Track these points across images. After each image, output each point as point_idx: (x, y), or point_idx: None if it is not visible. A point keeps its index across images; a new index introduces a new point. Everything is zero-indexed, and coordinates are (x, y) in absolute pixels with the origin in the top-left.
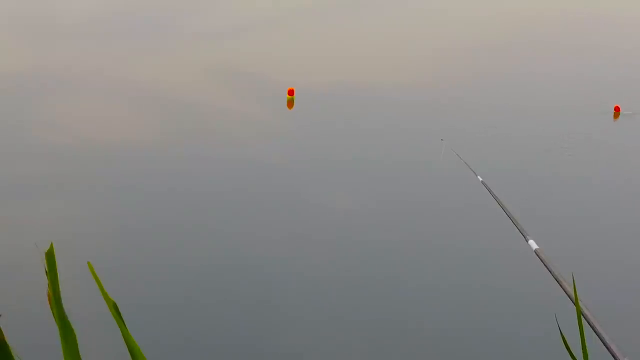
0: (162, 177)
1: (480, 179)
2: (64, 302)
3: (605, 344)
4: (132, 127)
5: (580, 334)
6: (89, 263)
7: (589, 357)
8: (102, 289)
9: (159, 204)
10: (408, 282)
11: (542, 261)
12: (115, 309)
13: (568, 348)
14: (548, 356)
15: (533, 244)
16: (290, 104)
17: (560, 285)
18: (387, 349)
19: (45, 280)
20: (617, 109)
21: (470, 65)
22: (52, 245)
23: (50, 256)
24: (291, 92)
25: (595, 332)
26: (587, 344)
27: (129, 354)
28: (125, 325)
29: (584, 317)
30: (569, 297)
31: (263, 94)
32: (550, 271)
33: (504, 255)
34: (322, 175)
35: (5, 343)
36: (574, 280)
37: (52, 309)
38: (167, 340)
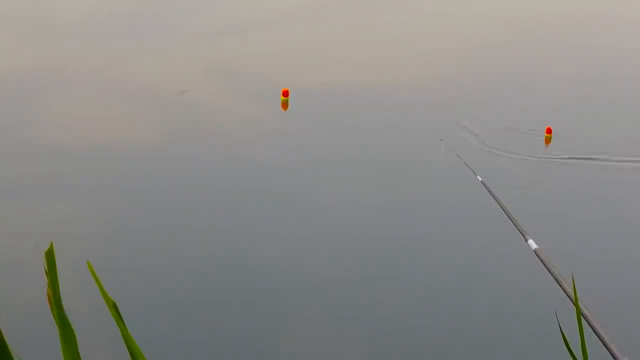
0: (162, 177)
1: (480, 179)
2: (63, 301)
3: (604, 343)
4: (132, 127)
5: (580, 333)
6: (88, 263)
7: (589, 356)
8: (101, 288)
9: (159, 204)
10: (408, 281)
11: (541, 260)
12: (114, 308)
13: (568, 347)
14: (547, 355)
15: (532, 244)
16: (285, 105)
17: (560, 285)
18: (387, 349)
19: (45, 280)
20: (549, 131)
21: (470, 65)
22: (51, 244)
23: (49, 256)
24: (285, 93)
25: (594, 331)
26: (586, 344)
27: (128, 354)
28: (124, 325)
29: (584, 317)
30: (569, 296)
31: (263, 94)
32: (549, 270)
33: (504, 254)
34: (322, 175)
35: (5, 343)
36: (573, 280)
37: (51, 308)
38: (167, 340)
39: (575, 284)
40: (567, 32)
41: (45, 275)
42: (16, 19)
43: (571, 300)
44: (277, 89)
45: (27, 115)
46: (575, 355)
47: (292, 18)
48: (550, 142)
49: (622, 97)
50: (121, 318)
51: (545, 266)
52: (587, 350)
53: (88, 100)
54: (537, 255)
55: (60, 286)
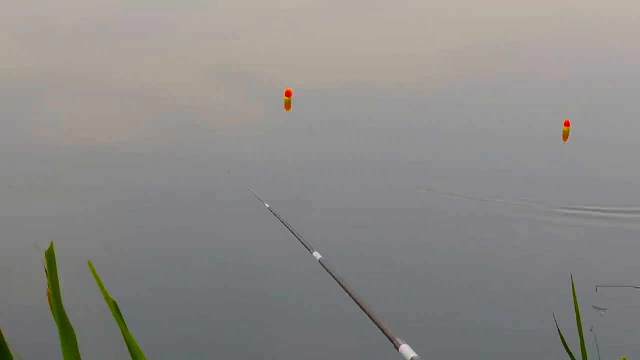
0: (162, 177)
1: (267, 205)
2: (63, 301)
3: (380, 327)
4: (132, 127)
5: (579, 334)
6: (89, 262)
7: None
8: (102, 287)
9: (159, 204)
10: (409, 281)
11: (325, 268)
12: (115, 308)
13: (567, 348)
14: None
15: (317, 255)
16: (288, 105)
17: (343, 287)
18: (387, 348)
19: (45, 280)
20: (567, 124)
21: (469, 65)
22: (52, 244)
23: (50, 255)
24: (288, 94)
25: (370, 317)
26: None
27: (129, 353)
28: (125, 325)
29: (360, 306)
30: (350, 295)
31: (263, 94)
32: (333, 276)
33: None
34: (322, 175)
35: (5, 343)
36: (572, 283)
37: (51, 308)
38: (167, 340)
39: (575, 289)
40: (566, 33)
41: (45, 275)
42: (16, 19)
43: (353, 298)
44: (278, 89)
45: (27, 115)
46: (574, 356)
47: (292, 18)
48: (568, 136)
49: (619, 99)
50: (122, 317)
51: (329, 272)
52: (586, 351)
53: (88, 100)
54: (322, 264)
55: (60, 286)
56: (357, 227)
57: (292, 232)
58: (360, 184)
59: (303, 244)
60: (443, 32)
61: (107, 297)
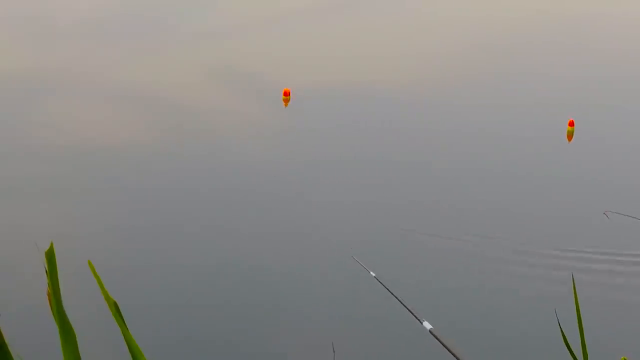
0: (161, 177)
1: (373, 274)
2: (63, 301)
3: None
4: (132, 127)
5: (580, 333)
6: (89, 262)
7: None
8: (102, 287)
9: (159, 204)
10: (409, 282)
11: (437, 339)
12: (115, 308)
13: (568, 346)
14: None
15: (427, 325)
16: (286, 104)
17: (456, 357)
18: (386, 349)
19: (45, 280)
20: (572, 124)
21: (468, 66)
22: (51, 244)
23: (50, 255)
24: (286, 93)
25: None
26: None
27: (129, 353)
28: (125, 325)
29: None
30: None
31: (262, 94)
32: (445, 347)
33: None
34: (322, 174)
35: (5, 343)
36: (573, 281)
37: (51, 307)
38: (167, 340)
39: (575, 287)
40: (563, 34)
41: (45, 275)
42: (16, 19)
43: None
44: (277, 89)
45: (27, 115)
46: (576, 355)
47: (292, 18)
48: (572, 136)
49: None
50: (122, 317)
51: (442, 343)
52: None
53: (88, 100)
54: (433, 334)
55: (60, 286)
56: (357, 227)
57: (401, 302)
58: (360, 184)
59: (412, 314)
60: (442, 32)
61: (107, 297)
